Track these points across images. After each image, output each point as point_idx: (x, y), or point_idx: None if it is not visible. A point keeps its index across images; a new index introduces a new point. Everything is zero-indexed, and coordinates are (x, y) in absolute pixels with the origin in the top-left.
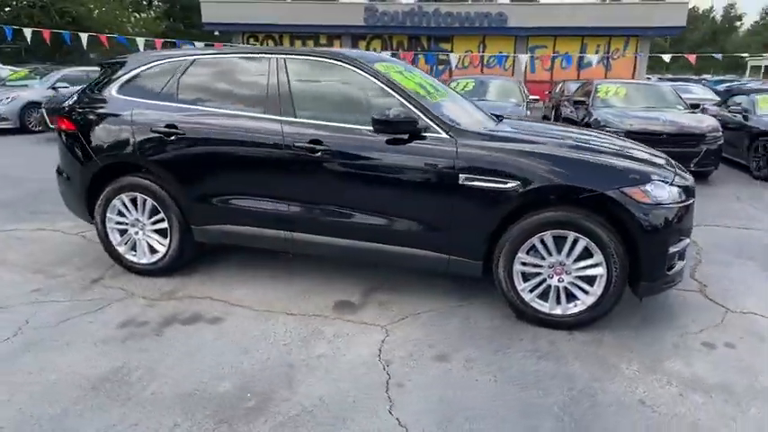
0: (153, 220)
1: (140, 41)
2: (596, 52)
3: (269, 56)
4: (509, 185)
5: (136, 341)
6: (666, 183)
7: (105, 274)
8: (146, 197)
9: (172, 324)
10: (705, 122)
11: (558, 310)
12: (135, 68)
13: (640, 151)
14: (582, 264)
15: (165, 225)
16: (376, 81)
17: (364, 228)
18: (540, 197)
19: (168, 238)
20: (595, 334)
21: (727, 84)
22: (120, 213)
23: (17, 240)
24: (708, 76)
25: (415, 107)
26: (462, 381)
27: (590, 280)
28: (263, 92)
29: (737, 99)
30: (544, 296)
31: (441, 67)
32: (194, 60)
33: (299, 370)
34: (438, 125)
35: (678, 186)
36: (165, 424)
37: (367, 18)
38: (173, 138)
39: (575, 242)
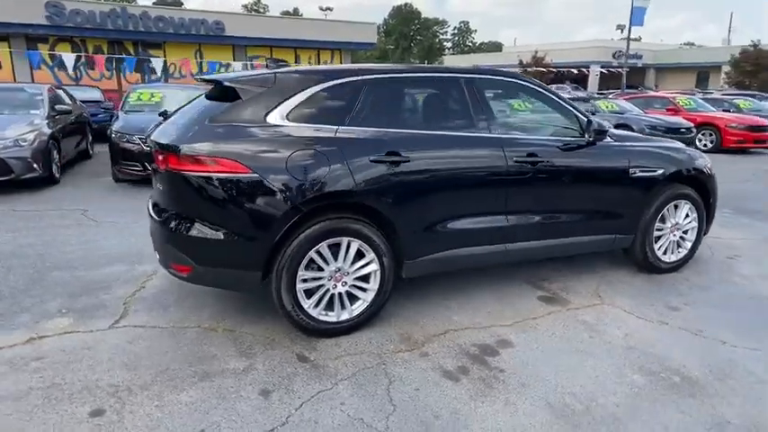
0: (357, 266)
1: None
2: (309, 63)
3: (456, 75)
4: (657, 173)
5: (503, 385)
6: None
7: (301, 351)
8: (351, 240)
9: (484, 360)
10: None
11: (673, 258)
12: (300, 91)
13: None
14: (687, 221)
15: (371, 268)
16: (554, 98)
17: (567, 224)
18: (671, 179)
19: (377, 282)
20: (695, 270)
21: None
22: (312, 266)
23: (70, 355)
24: None
25: (589, 117)
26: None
27: (686, 232)
28: (465, 111)
29: None
30: (664, 251)
31: (154, 76)
32: (376, 80)
33: (653, 356)
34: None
35: None
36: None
37: (51, 16)
38: (397, 166)
39: (682, 207)
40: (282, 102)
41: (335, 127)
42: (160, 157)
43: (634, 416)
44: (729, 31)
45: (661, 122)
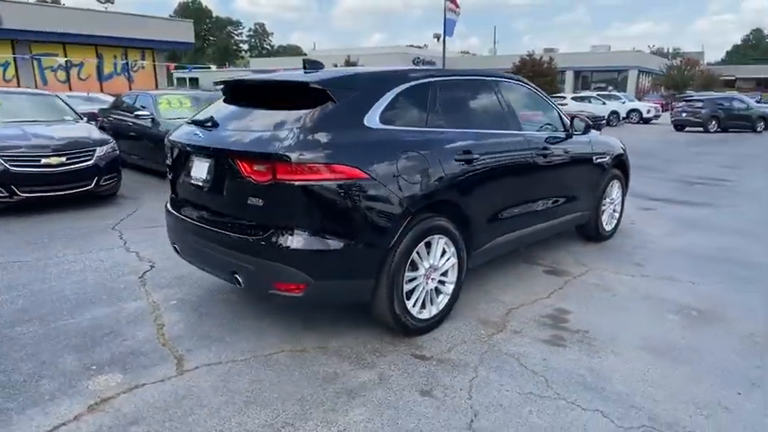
0: (442, 261)
1: None
2: (114, 63)
3: (485, 78)
4: (606, 159)
5: (599, 342)
6: None
7: (412, 351)
8: (440, 237)
9: (564, 327)
10: (95, 134)
11: (609, 227)
12: (384, 94)
13: None
14: (617, 196)
15: (451, 262)
16: (545, 99)
17: (560, 206)
18: (612, 163)
19: (455, 275)
20: (621, 236)
21: None
22: (412, 266)
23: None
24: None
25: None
26: (686, 268)
27: (616, 205)
28: (499, 110)
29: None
30: (606, 222)
31: None
32: (439, 82)
33: (664, 300)
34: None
35: None
36: None
37: None
38: (470, 164)
39: (614, 185)
40: (373, 104)
41: (422, 129)
42: (256, 168)
43: (698, 342)
44: (495, 42)
45: None
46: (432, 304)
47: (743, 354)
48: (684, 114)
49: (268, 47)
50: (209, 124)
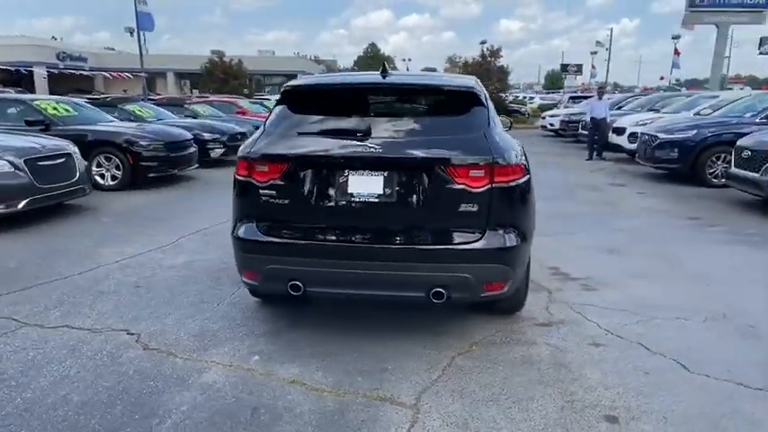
0: None
1: None
2: None
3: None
4: None
5: (615, 279)
6: None
7: (532, 324)
8: None
9: (573, 279)
10: None
11: None
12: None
13: None
14: None
15: None
16: None
17: None
18: None
19: None
20: None
21: None
22: None
23: None
24: None
25: None
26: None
27: None
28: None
29: None
30: None
31: None
32: None
33: (603, 242)
34: None
35: None
36: None
37: None
38: None
39: None
40: (490, 106)
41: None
42: (473, 174)
43: (647, 268)
44: (144, 40)
45: (256, 121)
46: None
47: (676, 269)
48: None
49: None
50: (361, 134)
